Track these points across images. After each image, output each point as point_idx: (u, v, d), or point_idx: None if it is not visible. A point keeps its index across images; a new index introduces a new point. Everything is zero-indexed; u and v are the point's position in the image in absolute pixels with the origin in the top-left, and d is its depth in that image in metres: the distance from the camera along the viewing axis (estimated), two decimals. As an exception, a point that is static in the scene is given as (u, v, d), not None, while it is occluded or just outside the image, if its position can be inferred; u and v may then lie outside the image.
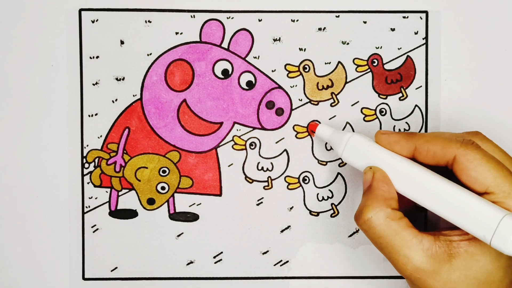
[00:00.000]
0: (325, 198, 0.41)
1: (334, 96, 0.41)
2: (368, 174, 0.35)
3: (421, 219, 0.40)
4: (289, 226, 0.41)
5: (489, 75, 0.41)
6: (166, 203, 0.41)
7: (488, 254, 0.32)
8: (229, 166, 0.41)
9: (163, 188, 0.41)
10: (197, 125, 0.41)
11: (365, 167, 0.35)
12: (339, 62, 0.41)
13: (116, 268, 0.41)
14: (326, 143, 0.41)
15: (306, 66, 0.41)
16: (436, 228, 0.38)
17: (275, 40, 0.41)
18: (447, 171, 0.34)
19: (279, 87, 0.41)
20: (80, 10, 0.41)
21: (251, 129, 0.41)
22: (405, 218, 0.33)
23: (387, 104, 0.41)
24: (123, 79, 0.41)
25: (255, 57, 0.41)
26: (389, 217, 0.33)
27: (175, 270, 0.41)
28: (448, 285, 0.32)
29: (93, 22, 0.41)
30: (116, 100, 0.41)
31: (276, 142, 0.41)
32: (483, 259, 0.32)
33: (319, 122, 0.41)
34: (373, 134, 0.41)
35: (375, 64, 0.41)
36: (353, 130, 0.41)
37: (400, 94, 0.41)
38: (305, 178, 0.41)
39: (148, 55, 0.41)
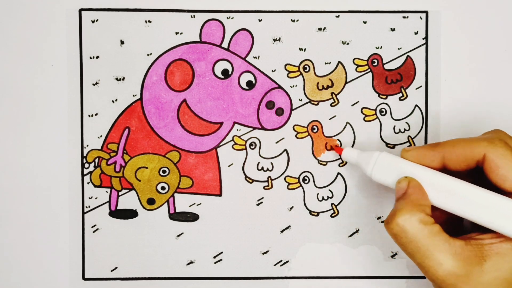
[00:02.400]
0: (325, 198, 0.41)
1: (334, 96, 0.41)
2: (403, 182, 0.35)
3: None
4: (289, 226, 0.41)
5: (489, 75, 0.41)
6: (166, 203, 0.41)
7: None
8: (229, 166, 0.41)
9: (163, 188, 0.41)
10: (197, 125, 0.41)
11: (396, 183, 0.36)
12: (339, 62, 0.41)
13: (116, 268, 0.41)
14: (326, 143, 0.41)
15: (306, 66, 0.41)
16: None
17: (275, 40, 0.41)
18: (474, 177, 0.34)
19: (279, 87, 0.41)
20: (80, 10, 0.41)
21: (251, 129, 0.41)
22: (437, 224, 0.33)
23: (387, 104, 0.41)
24: (123, 79, 0.41)
25: (255, 57, 0.41)
26: (422, 222, 0.33)
27: (175, 270, 0.41)
28: None
29: (93, 22, 0.41)
30: (116, 100, 0.41)
31: (276, 142, 0.41)
32: None
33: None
34: (373, 134, 0.41)
35: (375, 64, 0.41)
36: (353, 130, 0.41)
37: (400, 94, 0.41)
38: (305, 178, 0.41)
39: (148, 55, 0.41)
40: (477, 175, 0.35)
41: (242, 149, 0.41)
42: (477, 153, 0.33)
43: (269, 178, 0.41)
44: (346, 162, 0.41)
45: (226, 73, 0.41)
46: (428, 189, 0.34)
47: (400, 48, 0.41)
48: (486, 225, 0.33)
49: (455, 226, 0.38)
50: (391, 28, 0.41)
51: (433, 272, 0.33)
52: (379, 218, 0.41)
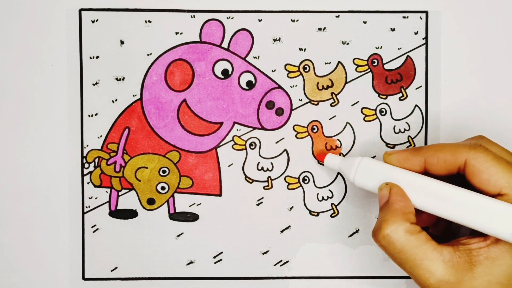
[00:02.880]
0: (325, 198, 0.41)
1: (334, 96, 0.41)
2: (384, 190, 0.35)
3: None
4: (289, 226, 0.41)
5: (489, 75, 0.41)
6: (166, 203, 0.41)
7: (509, 258, 0.32)
8: (229, 166, 0.41)
9: (163, 188, 0.41)
10: (197, 125, 0.41)
11: (378, 190, 0.35)
12: (339, 62, 0.41)
13: (116, 268, 0.41)
14: (326, 143, 0.41)
15: (306, 66, 0.41)
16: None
17: (275, 40, 0.41)
18: (457, 181, 0.34)
19: (279, 87, 0.41)
20: (80, 10, 0.41)
21: (251, 129, 0.41)
22: (423, 232, 0.33)
23: (387, 104, 0.41)
24: (123, 79, 0.41)
25: (255, 57, 0.41)
26: (409, 232, 0.33)
27: (175, 270, 0.41)
28: None
29: (93, 22, 0.41)
30: (116, 100, 0.41)
31: (276, 142, 0.41)
32: (504, 263, 0.32)
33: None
34: (373, 134, 0.41)
35: (375, 64, 0.41)
36: (353, 130, 0.41)
37: (400, 94, 0.41)
38: (305, 178, 0.41)
39: (148, 55, 0.41)
40: (457, 181, 0.35)
41: (242, 149, 0.41)
42: (459, 159, 0.33)
43: (269, 178, 0.41)
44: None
45: (226, 73, 0.41)
46: (411, 193, 0.34)
47: (400, 48, 0.41)
48: (472, 226, 0.33)
49: (444, 228, 0.38)
50: (391, 28, 0.41)
51: (425, 280, 0.33)
52: (379, 218, 0.41)
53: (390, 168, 0.35)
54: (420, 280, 0.33)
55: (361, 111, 0.41)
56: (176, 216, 0.41)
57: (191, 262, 0.41)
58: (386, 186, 0.35)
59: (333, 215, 0.41)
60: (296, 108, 0.41)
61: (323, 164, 0.41)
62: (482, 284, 0.32)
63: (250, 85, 0.41)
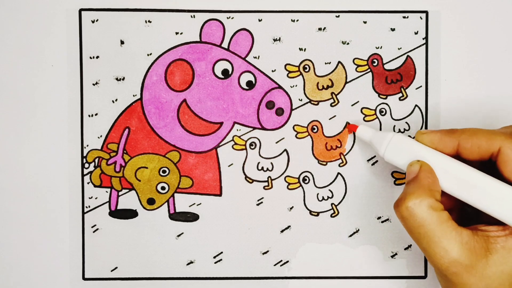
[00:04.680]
0: (325, 198, 0.41)
1: (334, 96, 0.41)
2: (414, 166, 0.35)
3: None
4: (289, 226, 0.41)
5: (489, 75, 0.41)
6: (166, 203, 0.41)
7: None
8: (229, 166, 0.41)
9: (163, 188, 0.41)
10: (197, 125, 0.41)
11: (407, 165, 0.35)
12: (339, 62, 0.41)
13: (116, 268, 0.41)
14: (326, 143, 0.41)
15: (306, 66, 0.41)
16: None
17: (275, 40, 0.41)
18: (487, 168, 0.34)
19: (279, 87, 0.41)
20: (80, 10, 0.41)
21: (251, 129, 0.41)
22: (446, 211, 0.33)
23: (387, 104, 0.41)
24: (123, 79, 0.41)
25: (255, 57, 0.41)
26: (432, 207, 0.33)
27: (175, 270, 0.41)
28: (484, 281, 0.32)
29: (93, 22, 0.41)
30: (116, 100, 0.41)
31: (276, 142, 0.41)
32: None
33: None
34: (373, 134, 0.41)
35: (375, 64, 0.41)
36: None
37: (400, 94, 0.41)
38: (305, 178, 0.41)
39: (148, 55, 0.41)
40: (488, 168, 0.35)
41: (242, 149, 0.41)
42: (493, 146, 0.33)
43: (269, 178, 0.41)
44: (346, 162, 0.41)
45: (226, 73, 0.41)
46: (439, 174, 0.34)
47: (400, 48, 0.41)
48: (496, 215, 0.33)
49: (460, 217, 0.38)
50: (391, 28, 0.41)
51: (439, 258, 0.32)
52: (379, 218, 0.41)
53: (422, 147, 0.35)
54: (434, 257, 0.33)
55: (361, 111, 0.41)
56: (176, 216, 0.41)
57: (191, 262, 0.41)
58: (417, 163, 0.35)
59: (333, 215, 0.41)
60: (296, 108, 0.41)
61: (324, 164, 0.41)
62: (495, 273, 0.32)
63: (250, 85, 0.41)
